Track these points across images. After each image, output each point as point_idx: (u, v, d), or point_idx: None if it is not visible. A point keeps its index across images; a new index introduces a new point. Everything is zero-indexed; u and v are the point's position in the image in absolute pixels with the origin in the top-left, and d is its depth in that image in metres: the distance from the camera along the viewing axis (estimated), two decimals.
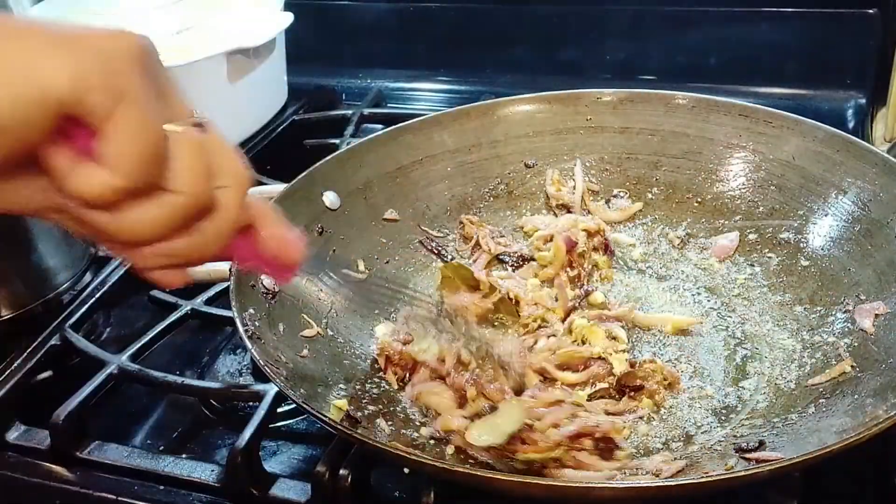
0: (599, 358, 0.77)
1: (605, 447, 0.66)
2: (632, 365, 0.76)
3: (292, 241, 0.54)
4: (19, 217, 0.90)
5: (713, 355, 0.79)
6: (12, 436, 0.79)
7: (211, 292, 0.92)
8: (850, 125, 1.18)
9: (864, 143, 0.87)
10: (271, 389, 0.75)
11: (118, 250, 0.48)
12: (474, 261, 0.92)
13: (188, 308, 0.90)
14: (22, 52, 0.40)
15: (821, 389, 0.71)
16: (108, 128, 0.41)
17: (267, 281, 0.78)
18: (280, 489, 0.70)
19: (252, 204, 0.50)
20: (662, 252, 0.93)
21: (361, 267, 0.88)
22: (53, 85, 0.39)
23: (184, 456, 0.76)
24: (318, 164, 0.91)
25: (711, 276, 0.88)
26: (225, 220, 0.47)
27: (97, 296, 0.95)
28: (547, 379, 0.77)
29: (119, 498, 0.73)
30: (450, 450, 0.69)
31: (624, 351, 0.79)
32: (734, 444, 0.68)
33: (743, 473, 0.57)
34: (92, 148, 0.42)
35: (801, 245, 0.86)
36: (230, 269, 0.76)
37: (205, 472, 0.73)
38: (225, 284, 0.81)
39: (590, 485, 0.62)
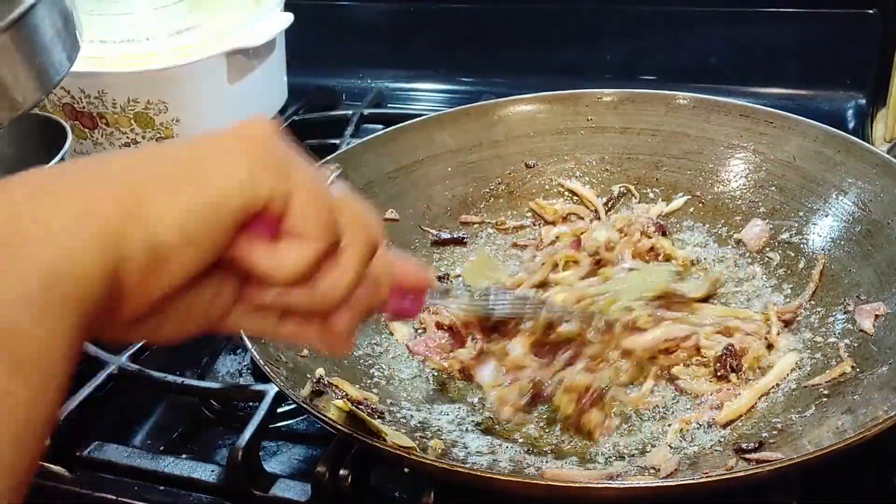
0: None
1: None
2: None
3: (422, 270, 0.56)
4: None
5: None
6: None
7: None
8: (850, 125, 1.18)
9: (864, 143, 0.87)
10: (271, 389, 0.75)
11: (308, 329, 0.49)
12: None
13: None
14: (188, 171, 0.40)
15: (821, 390, 0.71)
16: (285, 205, 0.42)
17: None
18: (280, 489, 0.70)
19: None
20: None
21: None
22: (229, 193, 0.40)
23: (184, 456, 0.76)
24: (318, 164, 0.91)
25: (711, 275, 0.88)
26: (386, 263, 0.50)
27: None
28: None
29: (119, 498, 0.73)
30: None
31: None
32: (734, 444, 0.68)
33: (743, 474, 0.58)
34: (276, 229, 0.43)
35: (802, 245, 0.86)
36: None
37: (205, 472, 0.73)
38: None
39: (590, 485, 0.62)
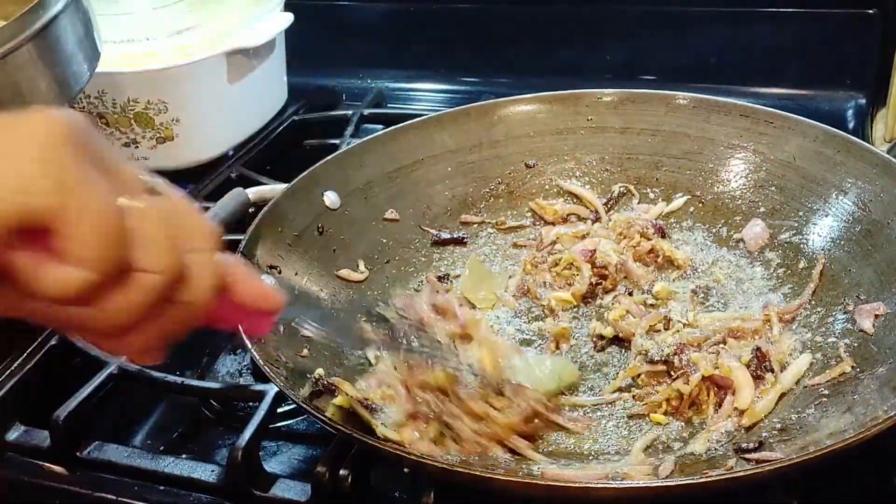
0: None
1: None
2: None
3: (268, 290, 0.52)
4: None
5: None
6: (12, 436, 0.79)
7: None
8: (850, 125, 1.18)
9: (864, 143, 0.87)
10: (271, 389, 0.75)
11: (101, 342, 0.46)
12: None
13: None
14: None
15: (821, 390, 0.71)
16: (60, 223, 0.38)
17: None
18: (280, 489, 0.70)
19: (222, 261, 0.48)
20: None
21: (362, 267, 0.88)
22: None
23: (184, 456, 0.76)
24: (318, 164, 0.91)
25: (711, 275, 0.88)
26: (201, 287, 0.45)
27: None
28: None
29: (119, 498, 0.73)
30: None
31: None
32: (734, 444, 0.68)
33: (743, 474, 0.58)
34: (50, 245, 0.39)
35: (802, 245, 0.86)
36: None
37: (205, 472, 0.73)
38: None
39: (590, 485, 0.62)
